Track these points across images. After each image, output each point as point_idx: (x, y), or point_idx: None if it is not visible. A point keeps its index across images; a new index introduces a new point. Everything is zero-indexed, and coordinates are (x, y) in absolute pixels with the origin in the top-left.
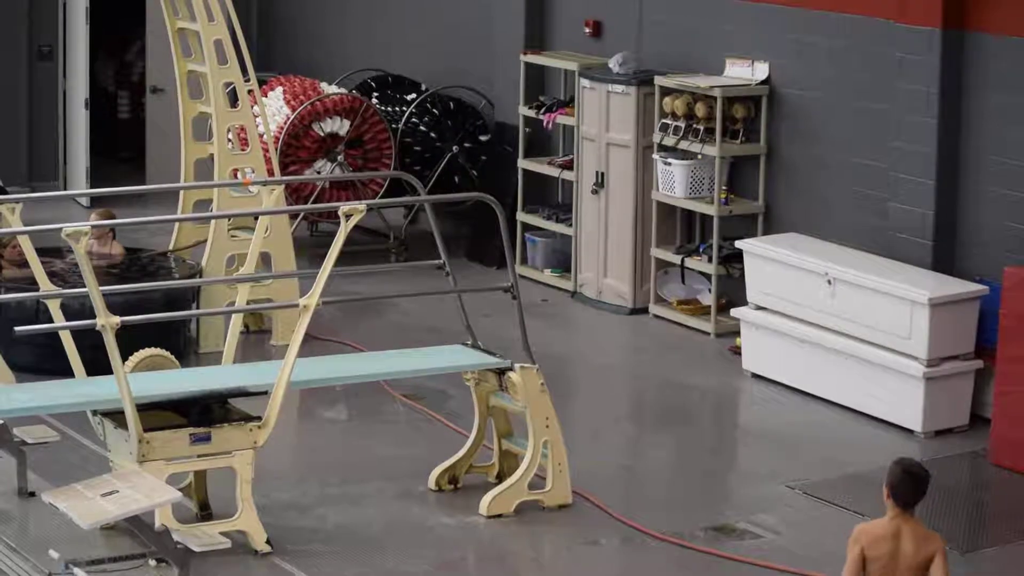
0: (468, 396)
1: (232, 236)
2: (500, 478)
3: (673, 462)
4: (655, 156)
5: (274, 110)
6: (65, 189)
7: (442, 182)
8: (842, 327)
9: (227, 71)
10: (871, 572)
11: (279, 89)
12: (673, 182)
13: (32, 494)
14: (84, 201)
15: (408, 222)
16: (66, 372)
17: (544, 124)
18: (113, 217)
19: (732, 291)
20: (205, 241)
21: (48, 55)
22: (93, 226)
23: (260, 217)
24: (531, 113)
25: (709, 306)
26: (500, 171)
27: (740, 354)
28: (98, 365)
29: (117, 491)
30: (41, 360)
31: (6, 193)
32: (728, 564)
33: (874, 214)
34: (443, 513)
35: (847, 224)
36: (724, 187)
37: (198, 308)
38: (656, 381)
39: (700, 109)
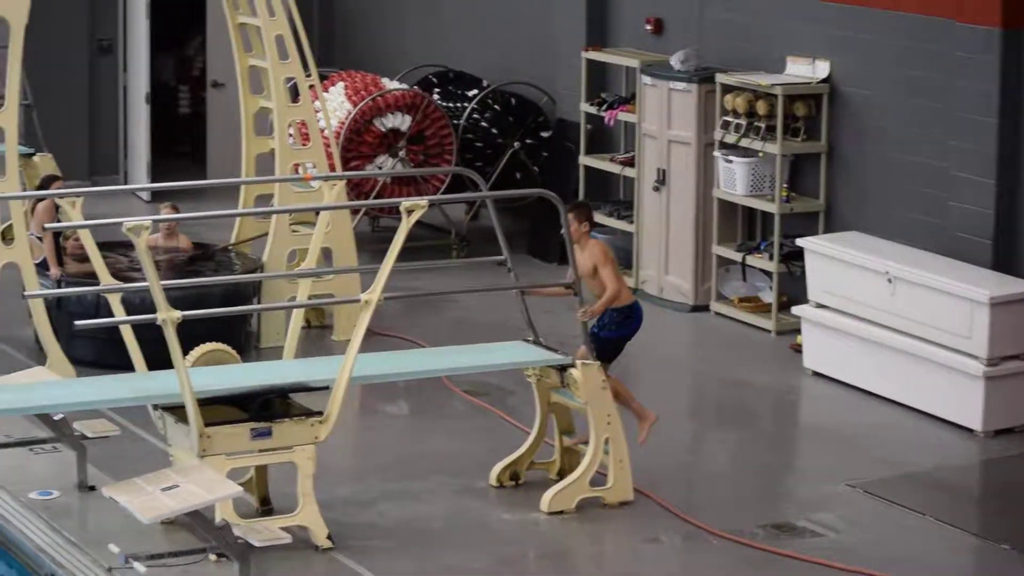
0: (529, 392)
1: (293, 231)
2: (561, 475)
3: (734, 460)
4: (716, 153)
5: (335, 105)
6: (126, 184)
7: (503, 178)
8: (902, 326)
9: (288, 66)
10: None
11: (340, 84)
12: (734, 180)
13: (92, 488)
14: (145, 196)
15: (469, 218)
16: (127, 366)
17: (606, 121)
18: (178, 212)
19: (793, 289)
20: (266, 236)
21: (108, 49)
22: (154, 220)
23: (321, 212)
24: (593, 110)
25: (770, 304)
26: (561, 167)
27: (801, 352)
28: (159, 359)
29: (177, 486)
30: (102, 354)
31: (64, 185)
32: (788, 562)
33: (934, 213)
34: (503, 509)
35: (907, 223)
36: (785, 185)
37: (259, 303)
38: (717, 379)
39: (761, 107)
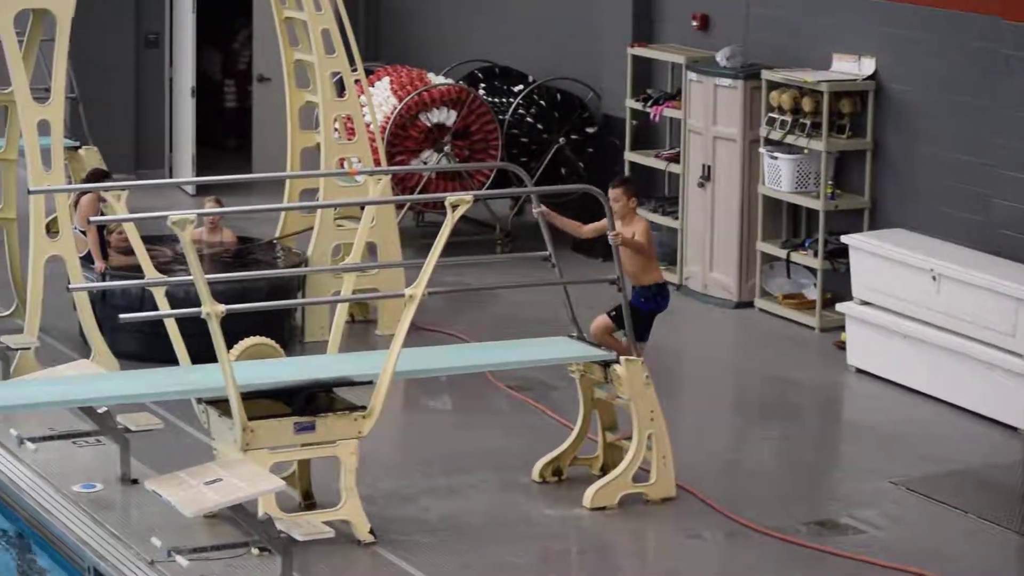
0: (573, 388)
1: (338, 225)
2: (604, 471)
3: (777, 456)
4: (761, 150)
5: (381, 100)
6: (171, 177)
7: (548, 173)
8: (947, 323)
9: (334, 60)
10: None
11: (386, 79)
12: (779, 176)
13: (135, 481)
14: (190, 189)
15: (514, 213)
16: (170, 360)
17: (651, 117)
18: (222, 205)
19: (837, 286)
20: (311, 230)
21: (155, 43)
22: (199, 214)
23: (366, 207)
24: (638, 105)
25: (814, 301)
26: (606, 163)
27: (845, 349)
28: (203, 353)
29: (220, 479)
30: (146, 348)
31: (111, 179)
32: (831, 559)
33: (979, 211)
34: (546, 505)
35: (952, 220)
36: (830, 182)
37: (303, 297)
38: (760, 375)
39: (807, 103)
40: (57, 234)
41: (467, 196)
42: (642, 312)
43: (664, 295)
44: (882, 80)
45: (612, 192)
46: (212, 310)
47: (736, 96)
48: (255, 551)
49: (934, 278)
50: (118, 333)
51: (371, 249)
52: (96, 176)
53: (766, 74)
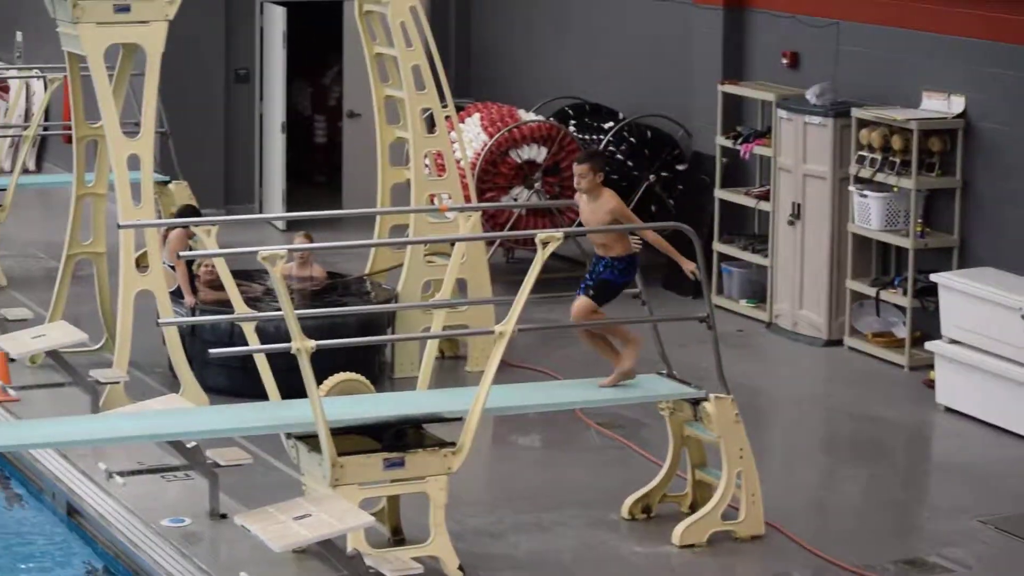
0: (662, 425)
1: (428, 262)
2: (693, 508)
3: (865, 495)
4: (851, 188)
5: (471, 136)
6: (261, 212)
7: (639, 211)
8: None
9: (424, 97)
10: None
11: (476, 115)
12: (869, 214)
13: (224, 516)
14: (280, 224)
15: None
16: (260, 395)
17: (741, 154)
18: (313, 241)
19: (927, 324)
20: (401, 266)
21: (245, 78)
22: (289, 250)
23: (456, 243)
24: (728, 143)
25: (903, 339)
26: (696, 200)
27: (934, 387)
28: (292, 388)
29: (309, 515)
30: (235, 382)
31: (200, 214)
32: None
33: None
34: (635, 542)
35: None
36: (919, 220)
37: (393, 333)
38: (849, 413)
39: (896, 141)
40: (147, 269)
41: (557, 233)
42: (616, 285)
43: (635, 265)
44: (971, 118)
45: (578, 168)
46: (302, 345)
47: (826, 134)
48: None
49: (1023, 316)
50: (207, 368)
51: (461, 285)
52: (186, 212)
53: (856, 112)
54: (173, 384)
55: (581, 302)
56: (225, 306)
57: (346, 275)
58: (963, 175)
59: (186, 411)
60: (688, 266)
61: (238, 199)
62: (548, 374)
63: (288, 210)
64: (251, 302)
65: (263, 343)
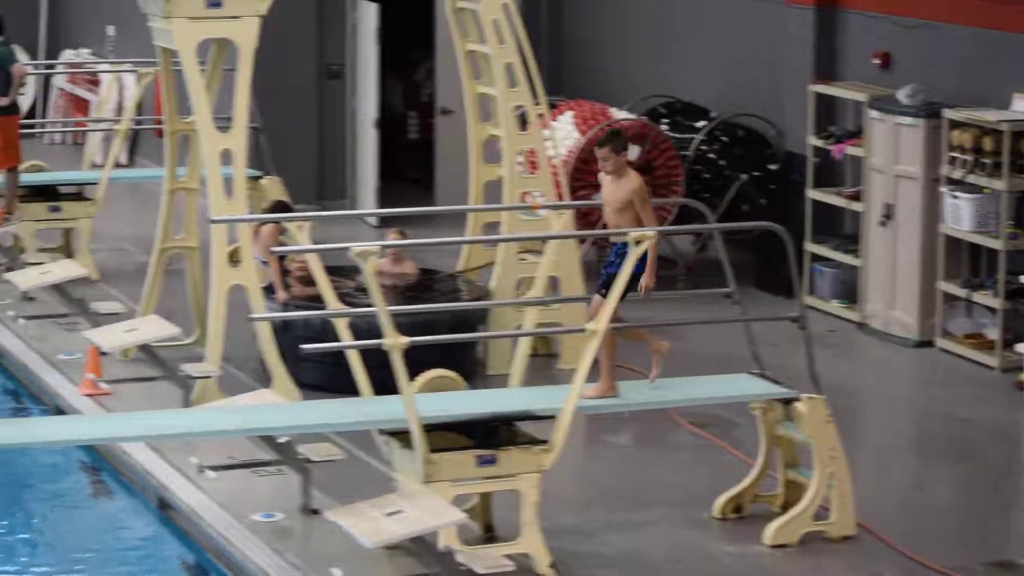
0: (754, 425)
1: (520, 259)
2: (785, 508)
3: (956, 496)
4: (943, 189)
5: (564, 134)
6: (353, 208)
7: (731, 210)
8: None
9: (517, 94)
10: None
11: (569, 113)
12: (960, 215)
13: (315, 511)
14: (373, 221)
15: (697, 250)
16: (351, 391)
17: (833, 154)
18: (405, 238)
19: (1018, 326)
20: (493, 263)
21: (337, 74)
22: (382, 246)
23: (549, 241)
24: (820, 143)
25: (994, 340)
26: (788, 200)
27: None
28: (384, 384)
29: (402, 511)
30: (327, 378)
31: (292, 210)
32: None
33: None
34: (726, 541)
35: None
36: (1011, 222)
37: (486, 330)
38: (940, 414)
39: (988, 143)
40: (239, 263)
41: (650, 232)
42: (633, 274)
43: (644, 255)
44: None
45: (600, 152)
46: (395, 342)
47: (918, 135)
48: None
49: None
50: (300, 363)
51: (553, 283)
52: (278, 207)
53: (947, 113)
54: (265, 379)
55: (596, 302)
56: (317, 302)
57: (439, 272)
58: None
59: (278, 406)
60: (645, 280)
61: (330, 195)
62: (640, 373)
63: (381, 206)
64: (343, 298)
65: (355, 339)
